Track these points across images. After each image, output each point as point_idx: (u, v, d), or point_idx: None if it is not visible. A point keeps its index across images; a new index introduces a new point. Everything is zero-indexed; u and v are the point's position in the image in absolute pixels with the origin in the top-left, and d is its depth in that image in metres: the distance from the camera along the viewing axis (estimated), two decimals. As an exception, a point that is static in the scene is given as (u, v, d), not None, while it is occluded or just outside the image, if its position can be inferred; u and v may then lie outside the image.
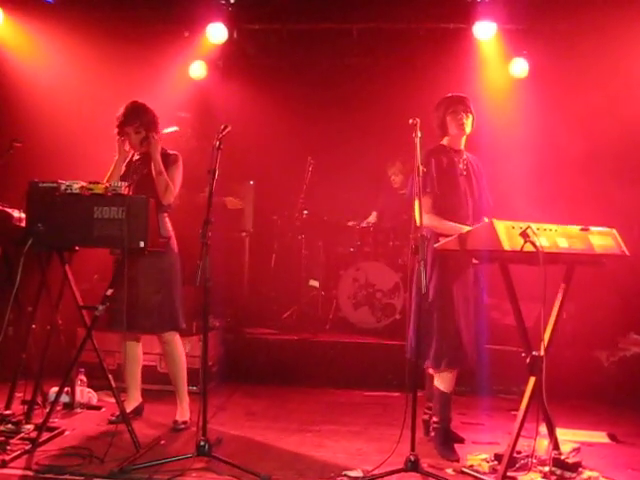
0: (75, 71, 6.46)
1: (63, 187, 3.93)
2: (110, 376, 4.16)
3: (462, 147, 4.37)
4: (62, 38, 6.33)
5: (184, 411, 4.59)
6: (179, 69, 7.28)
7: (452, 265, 4.08)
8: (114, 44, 6.46)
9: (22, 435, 4.03)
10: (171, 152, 4.57)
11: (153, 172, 4.42)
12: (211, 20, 7.01)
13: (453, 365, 4.10)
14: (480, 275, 4.22)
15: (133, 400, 4.70)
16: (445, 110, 4.30)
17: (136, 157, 4.59)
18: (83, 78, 6.47)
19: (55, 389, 4.39)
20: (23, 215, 4.05)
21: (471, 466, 3.83)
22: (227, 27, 7.05)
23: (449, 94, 4.39)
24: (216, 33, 7.07)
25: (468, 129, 4.31)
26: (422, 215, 3.92)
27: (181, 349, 4.62)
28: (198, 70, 7.46)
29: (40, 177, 4.00)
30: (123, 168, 4.53)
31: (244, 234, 7.82)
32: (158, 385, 4.78)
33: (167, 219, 4.58)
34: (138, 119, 4.47)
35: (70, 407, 4.80)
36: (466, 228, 3.91)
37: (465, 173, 4.29)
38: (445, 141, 4.36)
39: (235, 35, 7.32)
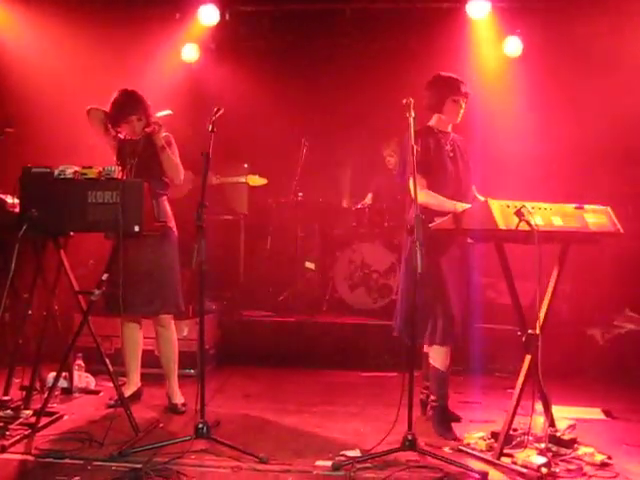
0: (66, 55, 6.39)
1: (56, 172, 3.92)
2: (107, 360, 4.17)
3: (449, 129, 4.36)
4: (53, 22, 6.27)
5: (179, 394, 4.61)
6: (171, 52, 7.22)
7: (440, 243, 4.08)
8: (105, 27, 6.42)
9: (21, 420, 4.04)
10: (163, 134, 4.53)
11: (158, 149, 4.40)
12: (202, 2, 6.95)
13: (446, 340, 4.12)
14: (469, 253, 4.23)
15: (132, 384, 4.72)
16: (449, 93, 4.24)
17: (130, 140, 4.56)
18: (74, 62, 6.41)
19: (53, 374, 4.40)
20: (17, 201, 4.03)
21: (468, 444, 3.86)
22: (219, 9, 7.01)
23: (451, 75, 4.32)
24: (208, 15, 7.02)
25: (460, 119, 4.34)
26: (418, 193, 3.89)
27: (175, 332, 4.64)
28: (190, 53, 7.41)
29: (33, 162, 3.98)
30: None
31: (239, 217, 7.81)
32: (156, 369, 4.78)
33: (166, 202, 4.57)
34: (140, 106, 4.46)
35: (68, 392, 4.81)
36: (462, 205, 3.91)
37: (452, 155, 4.27)
38: (433, 121, 4.34)
39: (227, 17, 7.24)
